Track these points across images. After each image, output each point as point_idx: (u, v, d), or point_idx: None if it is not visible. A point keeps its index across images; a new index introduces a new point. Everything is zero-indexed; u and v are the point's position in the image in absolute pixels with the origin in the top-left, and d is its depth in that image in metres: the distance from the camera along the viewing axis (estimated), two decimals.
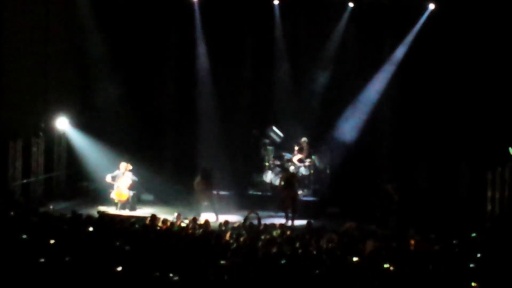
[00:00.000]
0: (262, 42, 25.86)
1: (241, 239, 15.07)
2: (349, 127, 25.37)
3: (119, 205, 22.83)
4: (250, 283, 11.30)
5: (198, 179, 22.83)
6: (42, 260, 11.40)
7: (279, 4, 25.58)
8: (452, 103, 24.07)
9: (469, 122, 23.69)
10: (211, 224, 17.91)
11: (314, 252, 14.04)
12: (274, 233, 16.83)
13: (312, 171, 25.07)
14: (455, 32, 23.65)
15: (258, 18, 25.56)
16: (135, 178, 23.10)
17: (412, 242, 15.40)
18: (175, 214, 19.66)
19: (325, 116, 25.68)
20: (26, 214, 16.54)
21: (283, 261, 12.63)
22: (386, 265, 12.63)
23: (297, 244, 14.64)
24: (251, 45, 25.97)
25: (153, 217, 17.55)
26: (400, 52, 24.96)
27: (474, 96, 23.66)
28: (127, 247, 12.89)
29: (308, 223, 18.67)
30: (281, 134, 25.73)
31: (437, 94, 24.26)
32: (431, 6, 24.34)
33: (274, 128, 25.72)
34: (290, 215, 22.20)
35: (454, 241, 15.61)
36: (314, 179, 25.25)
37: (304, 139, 25.14)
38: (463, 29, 23.49)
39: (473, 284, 11.20)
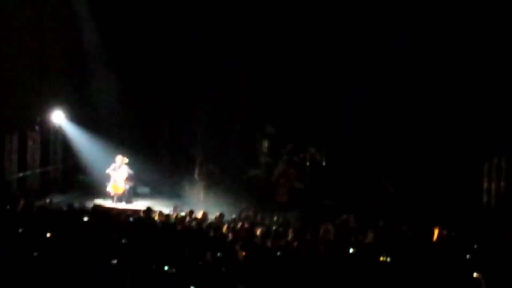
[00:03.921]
0: (258, 37, 25.77)
1: (238, 231, 15.08)
2: (345, 120, 25.37)
3: (115, 198, 22.85)
4: (247, 275, 11.30)
5: (197, 170, 22.99)
6: (39, 253, 11.39)
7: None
8: (448, 94, 24.05)
9: (466, 113, 23.66)
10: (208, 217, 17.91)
11: (311, 244, 14.04)
12: (271, 225, 16.87)
13: (308, 163, 25.06)
14: (451, 32, 23.64)
15: (255, 13, 25.47)
16: (131, 171, 23.10)
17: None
18: (172, 207, 19.69)
19: (322, 110, 25.61)
20: (23, 207, 16.51)
21: (279, 253, 12.65)
22: (382, 258, 12.63)
23: (294, 236, 14.65)
24: (247, 41, 25.88)
25: (148, 210, 17.51)
26: (395, 48, 24.87)
27: (470, 87, 23.64)
28: (123, 240, 12.88)
29: (304, 214, 18.70)
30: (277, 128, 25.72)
31: (433, 86, 24.23)
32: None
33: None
34: (286, 207, 22.20)
35: (452, 233, 15.64)
36: (310, 171, 25.24)
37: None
38: (458, 30, 23.50)
39: (475, 274, 11.13)
